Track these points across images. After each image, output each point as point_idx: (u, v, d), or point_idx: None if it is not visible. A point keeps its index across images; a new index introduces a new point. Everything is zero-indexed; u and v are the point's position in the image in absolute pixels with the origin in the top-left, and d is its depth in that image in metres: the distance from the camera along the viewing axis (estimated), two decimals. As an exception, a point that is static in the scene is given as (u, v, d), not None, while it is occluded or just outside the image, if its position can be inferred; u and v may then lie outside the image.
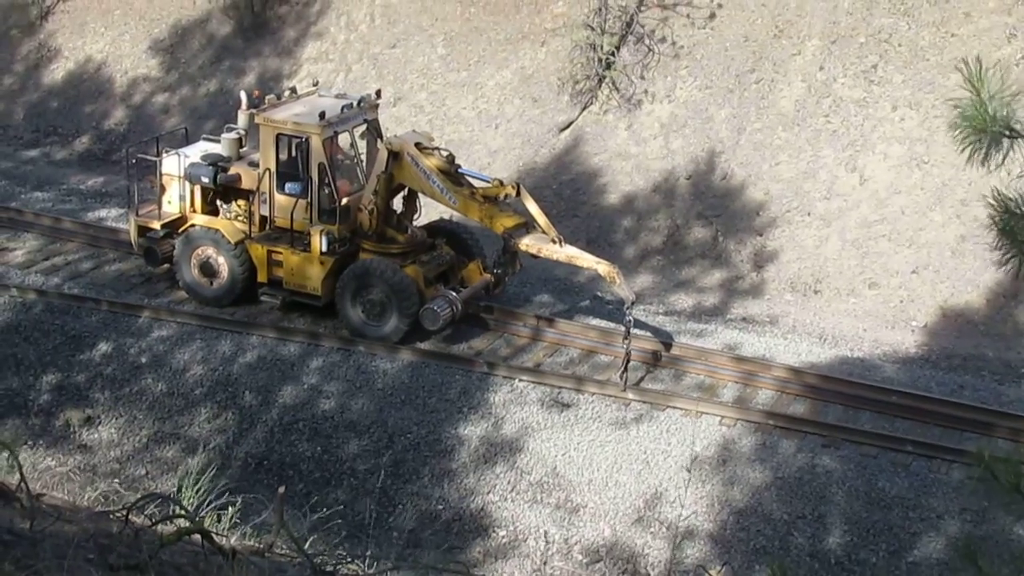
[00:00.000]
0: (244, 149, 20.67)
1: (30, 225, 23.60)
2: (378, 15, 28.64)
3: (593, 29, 25.55)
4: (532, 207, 18.67)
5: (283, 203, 19.67)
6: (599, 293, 21.35)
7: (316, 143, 19.09)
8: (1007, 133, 5.82)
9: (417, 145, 19.14)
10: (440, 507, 16.57)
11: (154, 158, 20.72)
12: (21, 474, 7.68)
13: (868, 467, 16.26)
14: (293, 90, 20.70)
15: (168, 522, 8.12)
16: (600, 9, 25.50)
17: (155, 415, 18.60)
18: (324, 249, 19.34)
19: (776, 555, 15.12)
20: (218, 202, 20.56)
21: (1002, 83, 5.81)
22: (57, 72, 30.92)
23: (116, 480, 16.14)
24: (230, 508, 9.81)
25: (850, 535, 15.41)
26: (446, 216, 21.38)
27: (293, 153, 19.36)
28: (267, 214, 19.90)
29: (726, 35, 25.17)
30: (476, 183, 19.24)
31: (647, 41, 25.47)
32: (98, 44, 30.95)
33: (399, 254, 19.48)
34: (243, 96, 20.87)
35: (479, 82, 26.85)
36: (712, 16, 25.41)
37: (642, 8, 25.72)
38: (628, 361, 17.83)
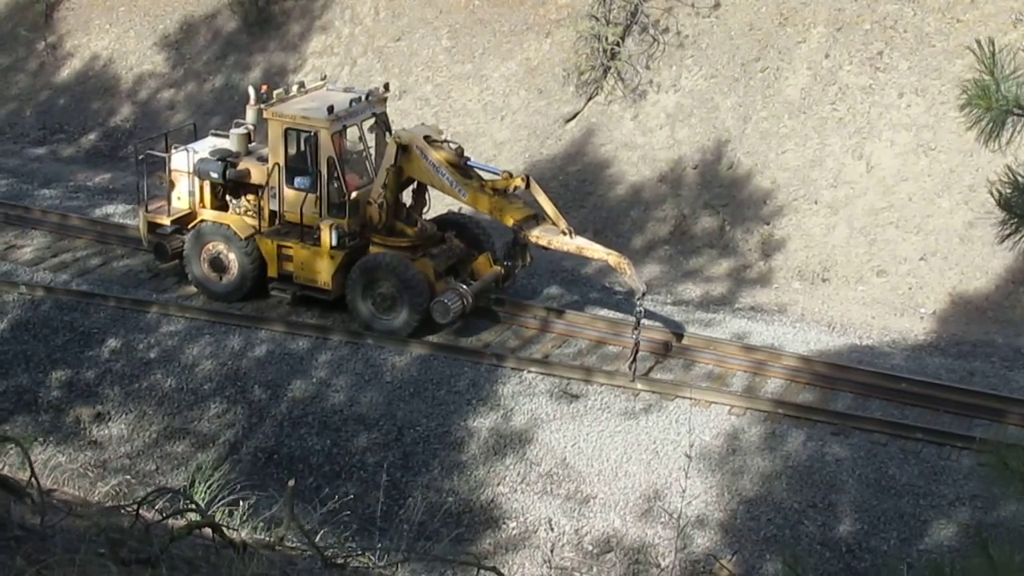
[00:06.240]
0: (253, 144, 20.68)
1: (38, 222, 23.64)
2: (382, 8, 28.63)
3: (598, 20, 25.52)
4: (541, 198, 18.64)
5: (292, 198, 19.69)
6: (607, 284, 21.34)
7: (325, 137, 19.10)
8: (1017, 111, 5.81)
9: (426, 138, 19.13)
10: (450, 499, 16.59)
11: (163, 154, 20.75)
12: (32, 470, 7.71)
13: (878, 455, 16.25)
14: (301, 84, 20.69)
15: (179, 516, 8.15)
16: (604, -1, 25.50)
17: (165, 410, 18.65)
18: (334, 243, 19.34)
19: (787, 544, 15.13)
20: (227, 197, 20.57)
21: (1014, 64, 5.81)
22: (63, 70, 30.97)
23: (127, 475, 16.20)
24: (241, 502, 9.84)
25: (861, 523, 15.41)
26: (455, 209, 21.37)
27: (302, 147, 19.38)
28: (276, 209, 19.92)
29: (731, 24, 25.12)
30: (485, 175, 19.23)
31: (652, 31, 25.43)
32: (103, 41, 30.99)
33: (409, 248, 19.48)
34: (251, 91, 20.89)
35: (484, 74, 26.84)
36: (717, 5, 25.36)
37: (647, -2, 25.69)
38: (637, 351, 17.83)
